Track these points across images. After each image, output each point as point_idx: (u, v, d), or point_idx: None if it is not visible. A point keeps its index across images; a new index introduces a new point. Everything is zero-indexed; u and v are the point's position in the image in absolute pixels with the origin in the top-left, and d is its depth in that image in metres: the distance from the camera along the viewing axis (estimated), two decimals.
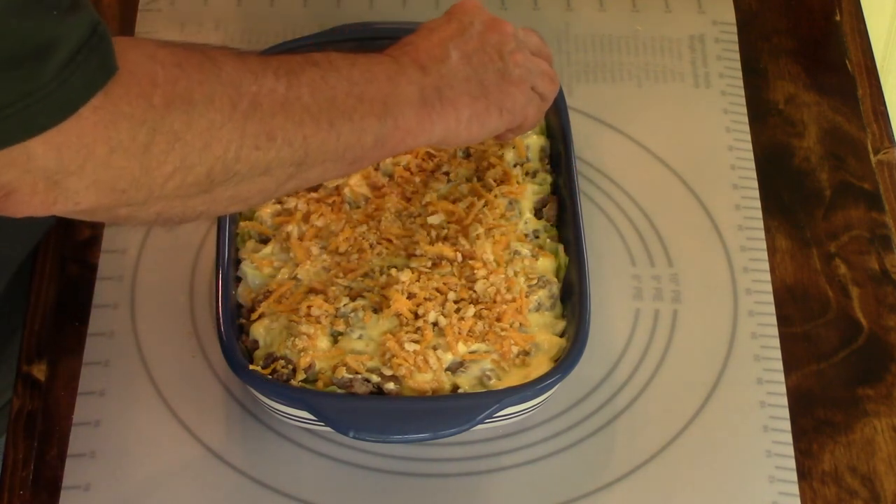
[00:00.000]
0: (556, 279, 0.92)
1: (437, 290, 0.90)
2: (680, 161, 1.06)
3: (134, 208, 0.70)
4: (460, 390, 0.87)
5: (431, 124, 0.81)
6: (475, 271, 0.90)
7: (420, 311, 0.89)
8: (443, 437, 0.87)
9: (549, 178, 0.98)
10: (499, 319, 0.89)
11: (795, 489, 0.90)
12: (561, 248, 0.94)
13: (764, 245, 1.02)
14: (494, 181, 0.96)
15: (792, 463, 0.92)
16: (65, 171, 0.65)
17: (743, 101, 1.10)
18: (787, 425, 0.93)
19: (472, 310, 0.89)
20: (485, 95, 0.85)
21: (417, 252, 0.91)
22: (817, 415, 0.94)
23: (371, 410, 0.84)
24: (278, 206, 0.94)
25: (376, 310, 0.89)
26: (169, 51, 0.69)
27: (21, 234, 0.99)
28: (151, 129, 0.67)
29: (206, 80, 0.69)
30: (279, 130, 0.72)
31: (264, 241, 0.94)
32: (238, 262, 0.92)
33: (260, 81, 0.72)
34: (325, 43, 0.97)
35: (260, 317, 0.89)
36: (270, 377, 0.86)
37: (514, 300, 0.90)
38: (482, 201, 0.94)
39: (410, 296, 0.89)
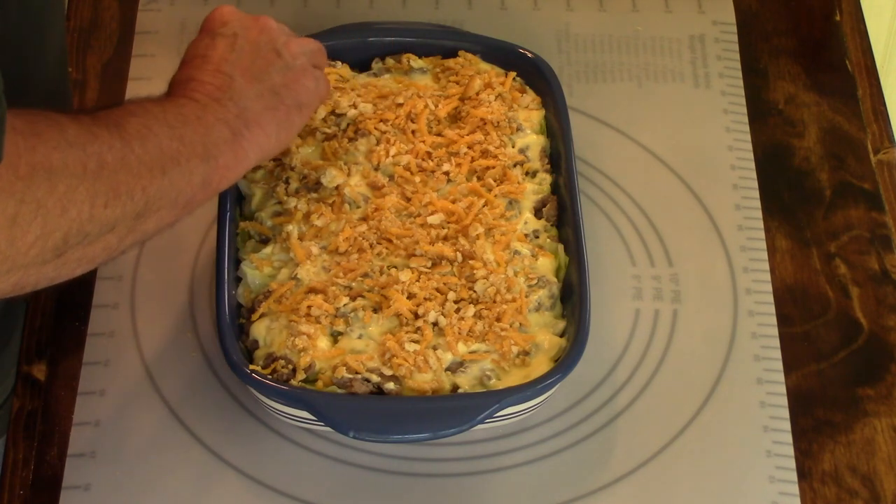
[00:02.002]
0: (556, 279, 0.92)
1: (437, 290, 0.90)
2: (680, 161, 1.06)
3: None
4: (460, 390, 0.87)
5: (245, 153, 0.83)
6: (475, 271, 0.90)
7: (420, 311, 0.89)
8: (443, 437, 0.87)
9: (548, 178, 0.98)
10: (499, 319, 0.89)
11: (795, 489, 0.90)
12: (561, 248, 0.94)
13: (764, 245, 1.02)
14: (494, 181, 0.96)
15: (792, 463, 0.92)
16: None
17: (743, 101, 1.10)
18: (787, 425, 0.93)
19: (472, 310, 0.89)
20: (281, 101, 0.86)
21: (417, 252, 0.91)
22: (817, 415, 0.94)
23: (371, 410, 0.84)
24: (278, 206, 0.94)
25: (376, 310, 0.89)
26: (22, 119, 0.69)
27: None
28: (19, 200, 0.67)
29: (58, 145, 0.70)
30: (123, 185, 0.74)
31: (264, 241, 0.94)
32: (238, 262, 0.92)
33: (100, 140, 0.73)
34: (325, 43, 0.97)
35: (260, 317, 0.89)
36: (270, 377, 0.86)
37: (514, 300, 0.90)
38: (482, 201, 0.94)
39: (410, 296, 0.89)
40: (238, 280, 0.92)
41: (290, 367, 0.87)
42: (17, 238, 0.68)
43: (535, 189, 0.97)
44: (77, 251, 0.73)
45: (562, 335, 0.90)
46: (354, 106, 0.98)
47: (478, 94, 0.99)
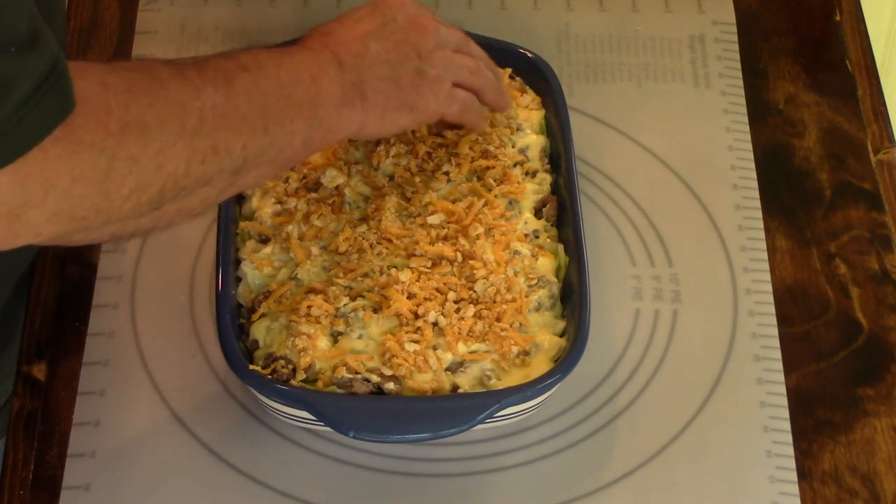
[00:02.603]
0: (556, 279, 0.92)
1: (437, 290, 0.90)
2: (680, 161, 1.06)
3: (90, 232, 0.72)
4: (460, 390, 0.87)
5: (349, 120, 0.84)
6: (475, 271, 0.90)
7: (420, 311, 0.89)
8: (443, 437, 0.87)
9: (548, 178, 0.98)
10: (499, 319, 0.89)
11: (795, 489, 0.90)
12: (561, 248, 0.94)
13: (764, 245, 1.02)
14: (494, 181, 0.96)
15: (792, 463, 0.92)
16: (27, 204, 0.66)
17: (743, 101, 1.10)
18: (787, 425, 0.93)
19: (472, 310, 0.89)
20: (398, 95, 0.86)
21: (417, 252, 0.91)
22: (817, 415, 0.94)
23: (371, 410, 0.84)
24: (278, 206, 0.94)
25: (376, 310, 0.89)
26: (117, 75, 0.70)
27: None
28: (111, 155, 0.68)
29: (156, 101, 0.71)
30: (222, 143, 0.74)
31: (264, 241, 0.94)
32: (238, 262, 0.92)
33: (202, 96, 0.73)
34: None
35: (260, 317, 0.89)
36: (270, 377, 0.86)
37: (514, 300, 0.90)
38: (482, 201, 0.94)
39: (410, 296, 0.89)
40: (238, 280, 0.92)
41: (290, 367, 0.87)
42: (111, 192, 0.69)
43: (535, 189, 0.97)
44: (174, 204, 0.74)
45: (562, 335, 0.90)
46: None
47: None
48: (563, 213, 0.95)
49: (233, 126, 0.75)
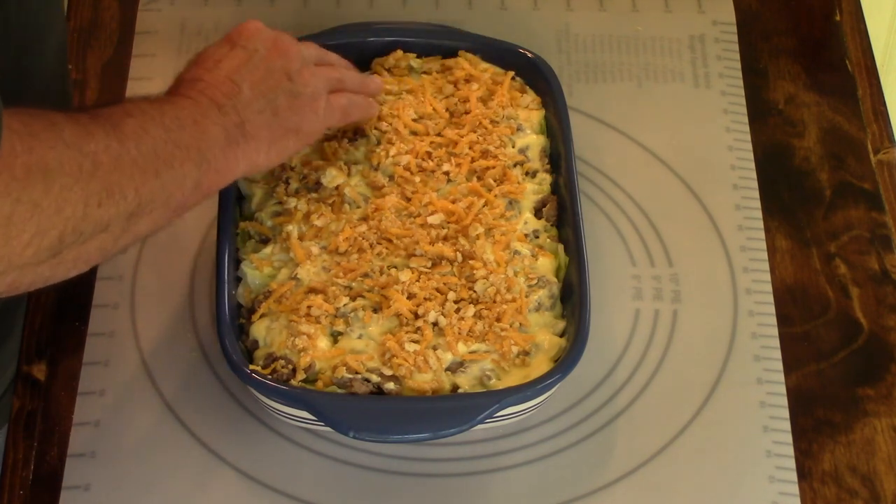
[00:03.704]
0: (556, 279, 0.92)
1: (437, 290, 0.90)
2: (680, 161, 1.06)
3: None
4: (460, 390, 0.87)
5: (237, 160, 0.85)
6: (475, 271, 0.90)
7: (420, 311, 0.89)
8: (443, 437, 0.87)
9: (548, 178, 0.98)
10: (499, 319, 0.89)
11: (795, 489, 0.90)
12: (561, 248, 0.94)
13: (764, 245, 1.02)
14: (494, 181, 0.96)
15: (792, 463, 0.92)
16: None
17: (743, 101, 1.10)
18: (787, 425, 0.93)
19: (471, 310, 0.89)
20: (280, 123, 0.87)
21: (417, 252, 0.91)
22: (817, 415, 0.94)
23: (371, 410, 0.84)
24: (278, 206, 0.94)
25: (376, 310, 0.89)
26: (18, 119, 0.69)
27: None
28: (15, 199, 0.68)
29: (56, 144, 0.71)
30: (116, 186, 0.74)
31: (264, 241, 0.94)
32: (238, 262, 0.92)
33: (96, 139, 0.74)
34: (325, 43, 0.98)
35: (260, 317, 0.89)
36: (270, 377, 0.86)
37: (514, 300, 0.90)
38: (482, 201, 0.94)
39: (410, 296, 0.89)
40: (238, 280, 0.92)
41: (290, 367, 0.87)
42: (12, 237, 0.69)
43: (535, 189, 0.97)
44: (72, 251, 0.74)
45: (562, 335, 0.90)
46: None
47: (478, 96, 1.00)
48: (563, 213, 0.95)
49: (125, 169, 0.75)
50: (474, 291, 0.90)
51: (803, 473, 0.91)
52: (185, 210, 0.82)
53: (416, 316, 0.89)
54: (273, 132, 0.87)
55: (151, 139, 0.78)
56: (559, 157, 0.97)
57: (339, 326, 0.88)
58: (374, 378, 0.86)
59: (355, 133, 0.98)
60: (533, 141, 0.99)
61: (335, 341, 0.88)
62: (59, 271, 0.75)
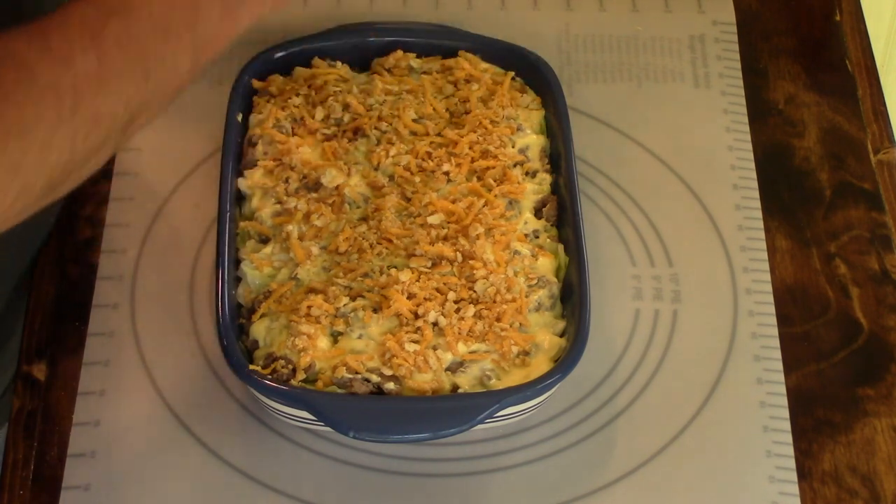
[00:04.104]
0: (556, 279, 0.92)
1: (437, 290, 0.90)
2: (680, 161, 1.06)
3: None
4: (460, 390, 0.87)
5: (236, 24, 0.77)
6: (475, 271, 0.90)
7: (420, 311, 0.89)
8: (443, 437, 0.87)
9: (548, 178, 0.98)
10: (499, 319, 0.89)
11: (795, 489, 0.90)
12: (561, 248, 0.94)
13: (764, 245, 1.02)
14: (494, 181, 0.96)
15: (792, 463, 0.92)
16: None
17: (743, 101, 1.10)
18: (787, 425, 0.93)
19: (471, 310, 0.89)
20: None
21: (417, 252, 0.91)
22: (817, 415, 0.94)
23: (371, 410, 0.84)
24: (278, 206, 0.94)
25: (376, 310, 0.89)
26: None
27: (25, 243, 0.99)
28: None
29: (28, 96, 0.65)
30: (103, 108, 0.69)
31: (264, 241, 0.94)
32: (238, 262, 0.92)
33: (73, 67, 0.67)
34: (325, 43, 0.98)
35: (260, 317, 0.89)
36: (270, 377, 0.86)
37: (514, 300, 0.90)
38: (482, 201, 0.94)
39: (410, 296, 0.89)
40: (238, 280, 0.92)
41: (290, 367, 0.87)
42: None
43: (535, 189, 0.97)
44: (68, 183, 0.70)
45: (562, 335, 0.90)
46: (347, 108, 0.98)
47: (479, 96, 1.00)
48: (563, 213, 0.95)
49: (111, 88, 0.69)
50: (474, 291, 0.90)
51: (803, 473, 0.91)
52: (180, 92, 0.75)
53: (416, 316, 0.89)
54: None
55: (137, 41, 0.70)
56: (559, 157, 0.97)
57: (339, 326, 0.88)
58: (374, 378, 0.86)
59: (355, 133, 0.98)
60: (533, 141, 0.99)
61: (335, 341, 0.88)
62: (57, 196, 0.71)
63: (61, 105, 0.67)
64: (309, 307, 0.88)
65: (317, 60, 1.03)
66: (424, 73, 1.03)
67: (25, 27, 0.68)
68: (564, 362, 0.87)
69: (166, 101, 0.75)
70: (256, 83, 1.01)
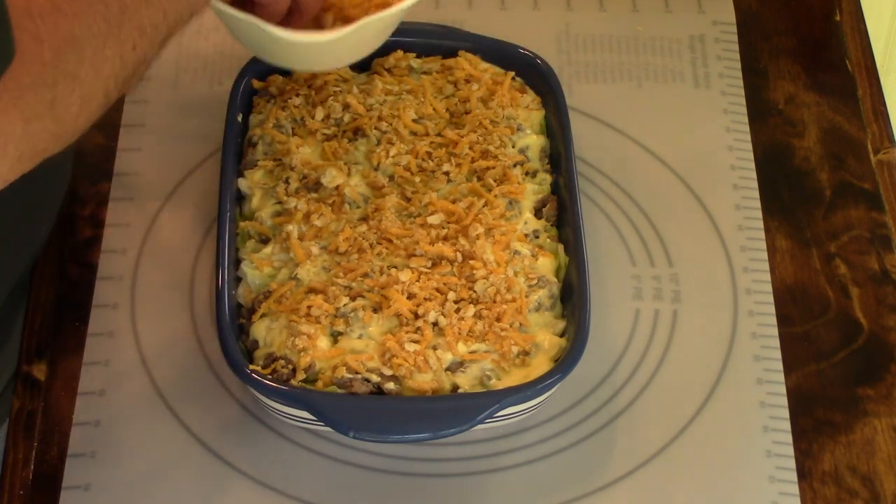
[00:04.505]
0: (556, 279, 0.92)
1: (437, 290, 0.90)
2: (680, 161, 1.06)
3: (51, 153, 0.70)
4: (460, 390, 0.87)
5: None
6: (475, 271, 0.90)
7: (420, 311, 0.89)
8: (443, 437, 0.87)
9: (548, 178, 0.98)
10: (499, 319, 0.89)
11: (795, 489, 0.90)
12: (561, 248, 0.94)
13: (764, 245, 1.02)
14: (494, 181, 0.96)
15: (792, 463, 0.92)
16: None
17: (743, 101, 1.10)
18: (787, 425, 0.93)
19: (472, 310, 0.89)
20: None
21: (417, 252, 0.91)
22: (817, 415, 0.94)
23: (371, 410, 0.84)
24: (278, 206, 0.94)
25: (376, 310, 0.89)
26: None
27: (25, 243, 0.99)
28: (52, 83, 0.67)
29: (78, 9, 0.68)
30: (146, 19, 0.73)
31: (264, 241, 0.94)
32: (238, 262, 0.92)
33: None
34: None
35: (260, 317, 0.89)
36: (270, 377, 0.86)
37: (514, 300, 0.90)
38: (482, 201, 0.94)
39: (410, 296, 0.89)
40: (238, 280, 0.92)
41: (290, 367, 0.87)
42: (62, 116, 0.68)
43: (535, 189, 0.97)
44: (118, 91, 0.73)
45: (562, 335, 0.90)
46: (347, 108, 0.98)
47: (479, 96, 1.00)
48: (563, 213, 0.95)
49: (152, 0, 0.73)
50: (474, 291, 0.90)
51: (803, 473, 0.91)
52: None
53: (416, 316, 0.89)
54: None
55: None
56: (559, 157, 0.97)
57: (339, 326, 0.88)
58: (374, 378, 0.86)
59: (355, 133, 0.98)
60: (533, 141, 0.99)
61: (335, 341, 0.88)
62: (110, 100, 0.74)
63: (108, 17, 0.70)
64: (309, 307, 0.88)
65: None
66: (424, 73, 1.03)
67: None
68: (564, 362, 0.87)
69: (197, 12, 0.78)
70: (256, 83, 1.01)
